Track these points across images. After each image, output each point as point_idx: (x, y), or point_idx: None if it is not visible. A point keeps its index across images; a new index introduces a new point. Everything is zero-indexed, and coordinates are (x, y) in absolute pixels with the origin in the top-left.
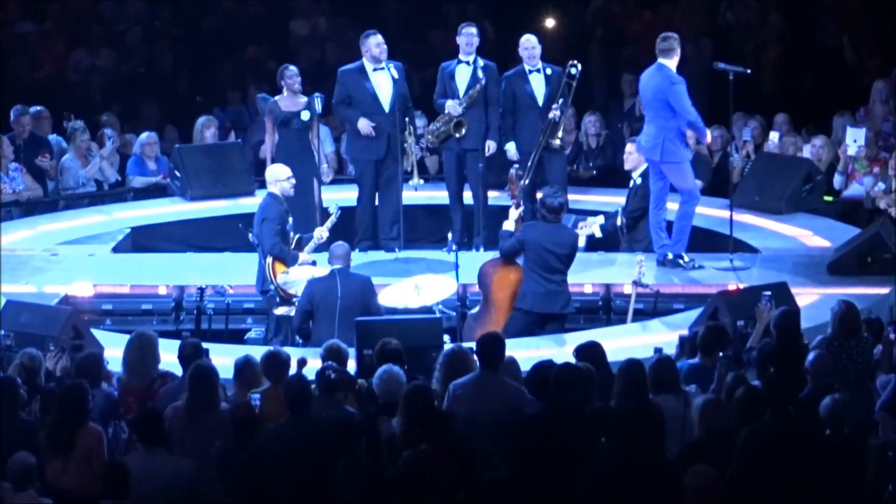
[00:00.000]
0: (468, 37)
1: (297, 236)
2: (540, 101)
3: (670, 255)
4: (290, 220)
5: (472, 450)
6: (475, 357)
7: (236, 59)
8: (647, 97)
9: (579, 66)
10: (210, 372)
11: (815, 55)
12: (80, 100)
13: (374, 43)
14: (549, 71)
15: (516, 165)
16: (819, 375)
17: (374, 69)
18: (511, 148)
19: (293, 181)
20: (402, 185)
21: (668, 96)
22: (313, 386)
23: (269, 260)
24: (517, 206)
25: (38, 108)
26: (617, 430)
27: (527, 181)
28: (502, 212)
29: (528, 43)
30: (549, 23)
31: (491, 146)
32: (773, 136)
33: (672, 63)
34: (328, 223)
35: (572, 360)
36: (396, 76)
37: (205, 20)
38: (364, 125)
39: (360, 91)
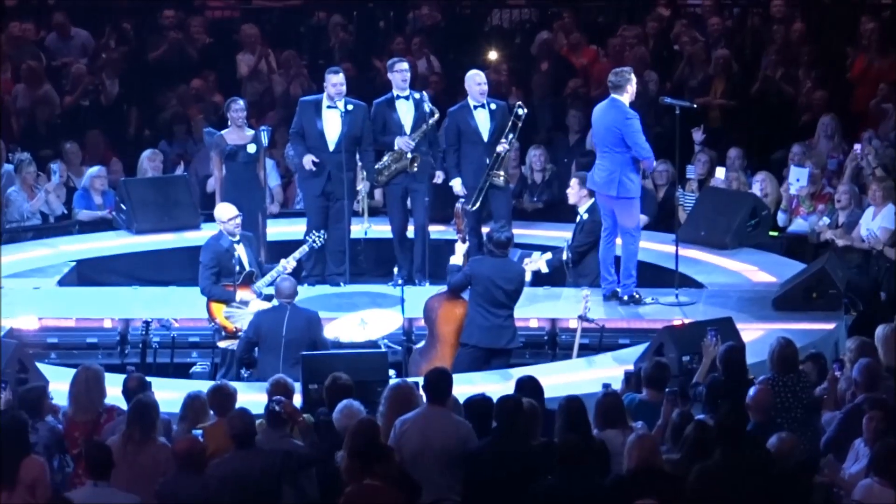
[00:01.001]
0: (402, 73)
1: (249, 270)
2: (485, 136)
3: (626, 298)
4: (238, 254)
5: (417, 484)
6: (420, 392)
7: (182, 90)
8: (599, 132)
9: (524, 109)
10: (149, 406)
11: (760, 89)
12: (26, 132)
13: (332, 82)
14: (493, 106)
15: (462, 200)
16: (760, 411)
17: (328, 106)
18: (457, 184)
19: (237, 221)
20: (349, 224)
21: (623, 131)
22: (259, 420)
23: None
24: (463, 241)
25: None
26: (559, 465)
27: (476, 206)
28: (447, 246)
29: (479, 78)
30: (493, 55)
31: (440, 175)
32: (720, 171)
33: (625, 98)
34: (297, 253)
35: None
36: (346, 116)
37: (150, 52)
38: (307, 161)
39: (310, 125)
